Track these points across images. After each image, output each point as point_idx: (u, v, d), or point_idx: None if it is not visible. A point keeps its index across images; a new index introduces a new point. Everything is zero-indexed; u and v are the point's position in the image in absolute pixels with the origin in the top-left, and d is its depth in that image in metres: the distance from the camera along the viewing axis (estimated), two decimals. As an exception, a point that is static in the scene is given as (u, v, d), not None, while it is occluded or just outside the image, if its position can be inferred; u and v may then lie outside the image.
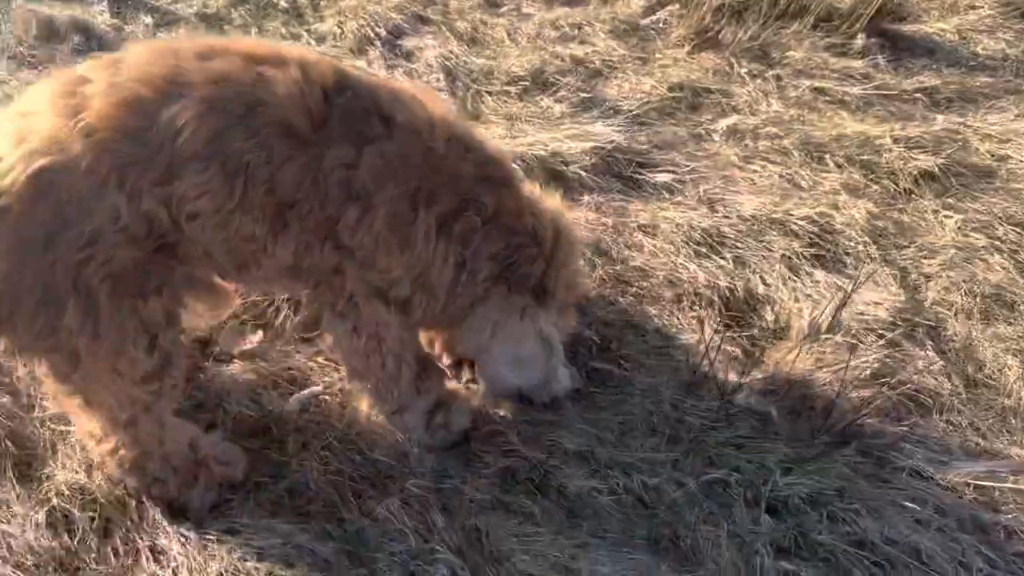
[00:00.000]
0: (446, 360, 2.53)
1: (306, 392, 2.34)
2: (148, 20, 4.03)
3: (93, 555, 1.94)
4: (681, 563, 2.04)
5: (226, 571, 1.89)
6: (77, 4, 4.14)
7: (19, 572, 1.88)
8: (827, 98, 3.63)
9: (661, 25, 4.05)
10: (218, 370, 2.41)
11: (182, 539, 1.97)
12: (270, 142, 1.73)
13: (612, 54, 3.82)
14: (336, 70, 1.88)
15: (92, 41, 3.82)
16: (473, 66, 3.74)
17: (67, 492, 2.03)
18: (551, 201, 2.26)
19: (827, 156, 3.26)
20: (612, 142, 3.24)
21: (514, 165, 2.33)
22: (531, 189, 2.28)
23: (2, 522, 1.96)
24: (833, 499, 2.10)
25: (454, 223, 1.96)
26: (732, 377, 2.42)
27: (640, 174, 3.18)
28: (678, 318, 2.65)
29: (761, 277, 2.79)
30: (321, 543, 2.00)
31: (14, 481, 2.05)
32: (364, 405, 2.26)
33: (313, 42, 3.95)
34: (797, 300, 2.71)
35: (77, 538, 1.97)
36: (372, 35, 3.92)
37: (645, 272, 2.80)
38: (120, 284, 1.68)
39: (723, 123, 3.45)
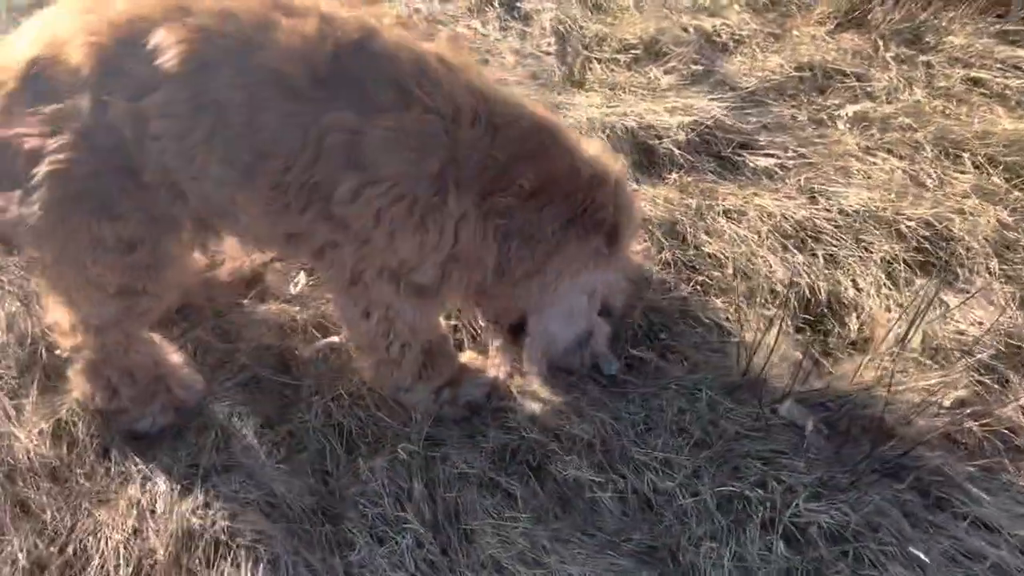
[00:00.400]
0: (481, 321, 2.43)
1: (324, 341, 2.32)
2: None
3: (85, 470, 2.04)
4: (667, 570, 1.84)
5: (195, 511, 1.92)
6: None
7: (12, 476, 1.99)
8: (982, 90, 3.16)
9: (808, 1, 3.68)
10: (255, 308, 2.44)
11: (169, 473, 2.02)
12: (255, 88, 1.69)
13: (743, 27, 3.53)
14: (363, 31, 1.77)
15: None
16: (588, 32, 3.58)
17: (78, 410, 2.13)
18: (595, 146, 2.10)
19: (965, 154, 2.83)
20: (713, 118, 2.98)
21: (559, 118, 2.13)
22: (577, 137, 2.09)
23: (12, 424, 2.09)
24: (863, 537, 1.81)
25: (492, 205, 1.86)
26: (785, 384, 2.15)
27: (739, 155, 2.91)
28: (744, 314, 2.40)
29: (853, 280, 2.48)
30: (299, 496, 1.98)
31: (36, 389, 2.17)
32: (366, 376, 2.21)
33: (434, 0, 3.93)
34: (889, 309, 2.38)
35: (75, 452, 2.06)
36: (490, -6, 3.85)
37: (719, 261, 2.56)
38: (67, 186, 1.71)
39: (851, 109, 3.09)
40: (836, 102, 3.15)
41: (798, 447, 2.02)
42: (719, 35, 3.51)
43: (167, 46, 1.62)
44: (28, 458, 2.04)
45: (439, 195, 1.79)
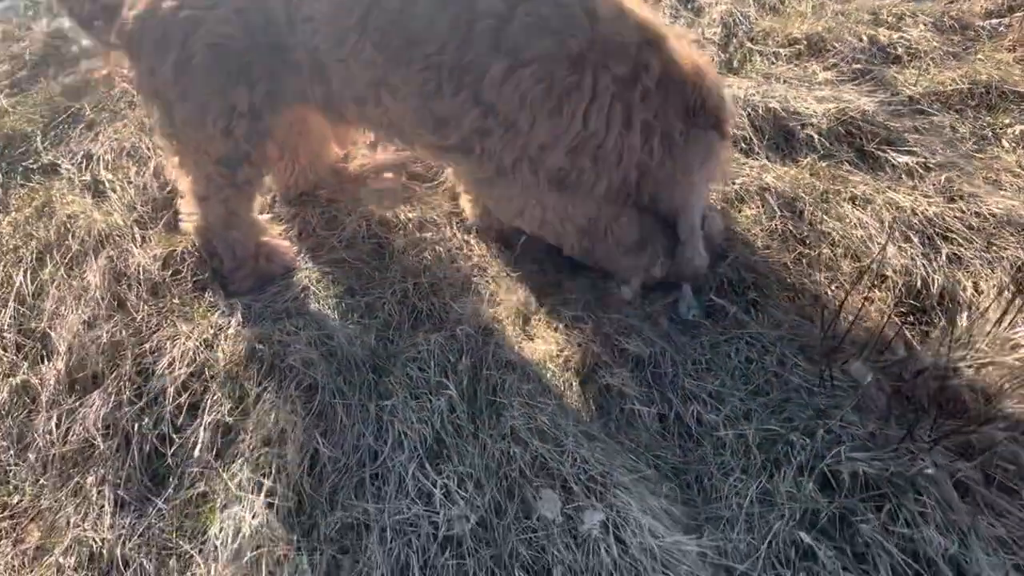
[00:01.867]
0: None
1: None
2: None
3: (180, 293, 2.31)
4: (688, 492, 1.80)
5: (260, 338, 2.12)
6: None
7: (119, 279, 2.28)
8: None
9: (1000, 28, 3.50)
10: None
11: (248, 309, 2.24)
12: None
13: (920, 43, 3.40)
14: None
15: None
16: (756, 26, 3.59)
17: (191, 250, 2.40)
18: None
19: None
20: (862, 112, 2.90)
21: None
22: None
23: (133, 244, 2.38)
24: (903, 493, 1.70)
25: (632, 89, 1.91)
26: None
27: (882, 151, 2.81)
28: (846, 291, 2.30)
29: (974, 282, 2.31)
30: (355, 347, 2.13)
31: (163, 226, 2.49)
32: None
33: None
34: (1006, 313, 2.20)
35: (177, 279, 2.35)
36: (670, -15, 3.95)
37: (832, 240, 2.48)
38: (217, 57, 1.94)
39: (1020, 128, 2.89)
40: (1005, 121, 2.98)
41: (862, 411, 1.92)
42: (894, 47, 3.41)
43: None
44: (138, 271, 2.35)
45: (576, 76, 1.87)
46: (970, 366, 1.97)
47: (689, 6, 3.87)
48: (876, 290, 2.35)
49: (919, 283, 2.33)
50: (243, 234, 2.35)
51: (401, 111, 2.04)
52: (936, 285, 2.32)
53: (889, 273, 2.36)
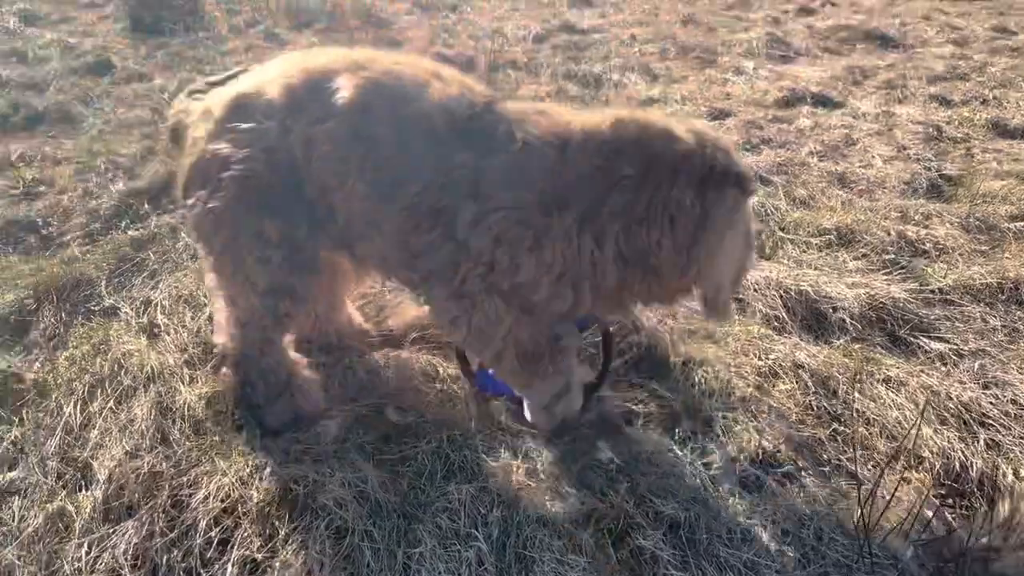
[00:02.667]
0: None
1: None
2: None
3: (220, 431, 2.43)
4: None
5: (295, 479, 2.18)
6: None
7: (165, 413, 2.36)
8: None
9: (1025, 230, 3.66)
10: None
11: (286, 452, 2.31)
12: (406, 127, 2.14)
13: (948, 240, 3.56)
14: (490, 98, 2.25)
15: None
16: (788, 218, 3.79)
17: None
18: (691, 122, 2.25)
19: None
20: (893, 299, 3.00)
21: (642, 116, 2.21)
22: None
23: (183, 384, 2.49)
24: None
25: (597, 215, 2.09)
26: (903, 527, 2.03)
27: (914, 337, 2.90)
28: (882, 467, 2.30)
29: (1014, 469, 2.30)
30: (387, 493, 2.17)
31: (210, 367, 2.62)
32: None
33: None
34: (1051, 502, 2.17)
35: (219, 418, 2.50)
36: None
37: (866, 419, 2.51)
38: (245, 191, 2.18)
39: (1057, 323, 2.97)
40: (1043, 316, 3.05)
41: (901, 585, 1.87)
42: (922, 242, 3.57)
43: (342, 88, 2.14)
44: (183, 407, 2.43)
45: (547, 217, 2.07)
46: (1014, 550, 1.93)
47: (723, 197, 4.12)
48: (913, 471, 2.34)
49: (957, 466, 2.33)
50: (276, 363, 2.48)
51: (387, 247, 2.27)
52: (975, 469, 2.31)
53: (926, 454, 2.37)
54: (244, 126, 2.18)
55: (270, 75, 2.28)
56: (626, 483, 2.23)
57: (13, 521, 2.13)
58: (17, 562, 2.01)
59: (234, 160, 2.18)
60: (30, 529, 2.10)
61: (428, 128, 2.13)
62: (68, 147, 4.85)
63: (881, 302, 3.02)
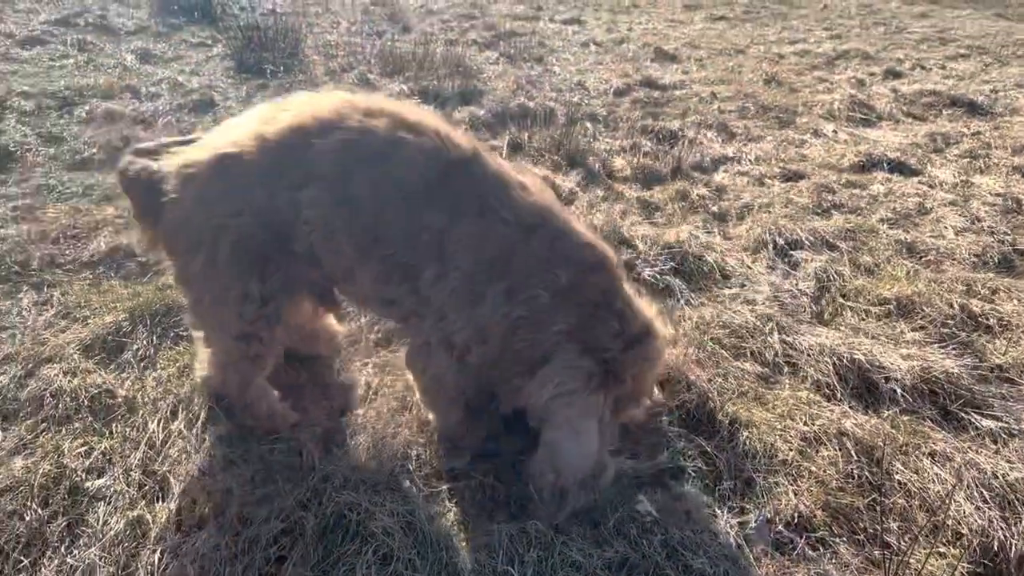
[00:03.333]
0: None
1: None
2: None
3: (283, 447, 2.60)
4: None
5: (350, 505, 2.34)
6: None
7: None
8: None
9: (1097, 310, 3.62)
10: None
11: (344, 474, 2.47)
12: (383, 190, 2.35)
13: (1013, 316, 3.55)
14: (472, 153, 2.41)
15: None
16: (850, 285, 3.83)
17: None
18: (649, 308, 2.57)
19: None
20: (947, 373, 3.03)
21: (614, 260, 2.52)
22: (633, 291, 2.58)
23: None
24: None
25: (520, 292, 2.35)
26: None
27: (965, 413, 2.91)
28: (915, 537, 2.33)
29: (1056, 552, 2.31)
30: (432, 525, 2.32)
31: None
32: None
33: (719, 236, 4.46)
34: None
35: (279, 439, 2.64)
36: (768, 240, 4.30)
37: (907, 491, 2.55)
38: (239, 252, 2.39)
39: (1112, 408, 2.94)
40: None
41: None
42: (986, 317, 3.56)
43: (321, 153, 2.33)
44: (255, 432, 2.64)
45: (488, 281, 2.35)
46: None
47: (786, 260, 4.20)
48: (950, 546, 2.37)
49: (996, 546, 2.35)
50: (256, 398, 2.77)
51: (365, 292, 2.57)
52: (1014, 550, 2.33)
53: (964, 531, 2.39)
54: (234, 190, 2.37)
55: (246, 133, 2.41)
56: (660, 535, 2.34)
57: (97, 524, 2.37)
58: (98, 562, 2.24)
59: (231, 226, 2.38)
60: (112, 533, 2.33)
61: (404, 189, 2.34)
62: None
63: (935, 375, 3.05)
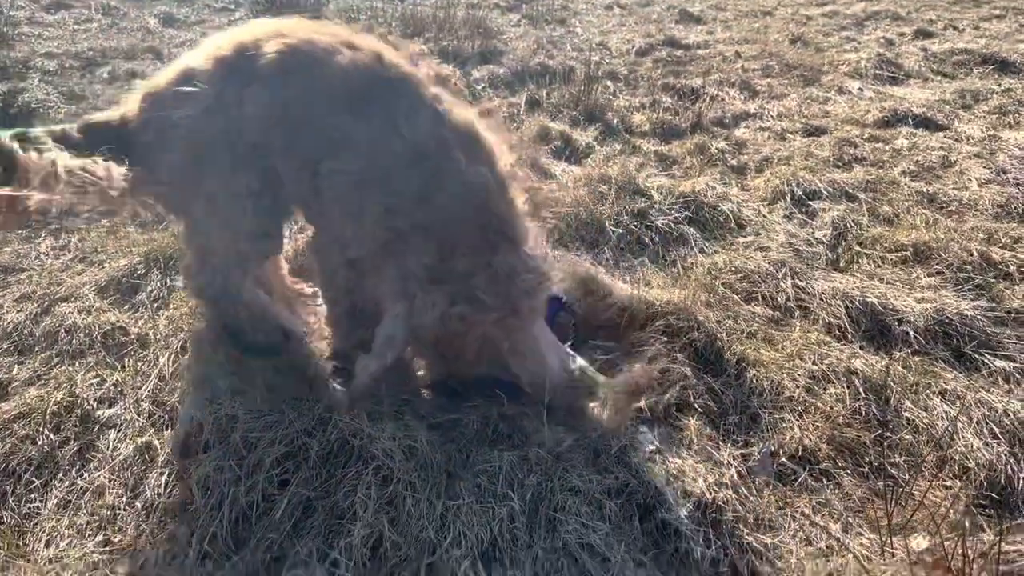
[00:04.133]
0: None
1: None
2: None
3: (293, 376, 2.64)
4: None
5: (353, 432, 2.43)
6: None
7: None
8: None
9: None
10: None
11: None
12: (313, 91, 2.44)
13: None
14: (403, 75, 2.48)
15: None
16: (867, 233, 3.78)
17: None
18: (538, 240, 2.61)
19: None
20: (962, 315, 2.99)
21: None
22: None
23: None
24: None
25: (398, 215, 2.41)
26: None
27: (979, 354, 2.87)
28: (918, 468, 2.32)
29: (1065, 486, 2.28)
30: (436, 451, 2.35)
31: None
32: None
33: (736, 188, 4.42)
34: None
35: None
36: (786, 191, 4.25)
37: (915, 427, 2.52)
38: (205, 153, 2.51)
39: None
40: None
41: (919, 579, 1.91)
42: (1006, 264, 3.49)
43: (265, 56, 2.45)
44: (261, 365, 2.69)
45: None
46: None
47: (803, 210, 4.15)
48: (957, 480, 2.35)
49: (1003, 480, 2.33)
50: (256, 296, 2.87)
51: (294, 189, 2.65)
52: (1021, 483, 2.30)
53: (971, 465, 2.37)
54: (185, 90, 2.50)
55: (205, 51, 2.59)
56: (661, 463, 2.34)
57: (107, 449, 2.42)
58: (107, 483, 2.30)
59: (180, 120, 2.49)
60: (121, 457, 2.38)
61: (331, 93, 2.42)
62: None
63: (948, 317, 3.01)
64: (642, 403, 2.58)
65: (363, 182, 2.41)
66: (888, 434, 2.51)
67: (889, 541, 2.04)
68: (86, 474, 2.33)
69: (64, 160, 2.51)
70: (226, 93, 2.47)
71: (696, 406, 2.62)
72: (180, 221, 2.85)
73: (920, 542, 2.01)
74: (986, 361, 2.85)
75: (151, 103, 2.58)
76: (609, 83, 6.70)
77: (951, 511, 2.13)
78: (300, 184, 2.54)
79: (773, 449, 2.46)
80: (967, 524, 2.08)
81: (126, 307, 3.21)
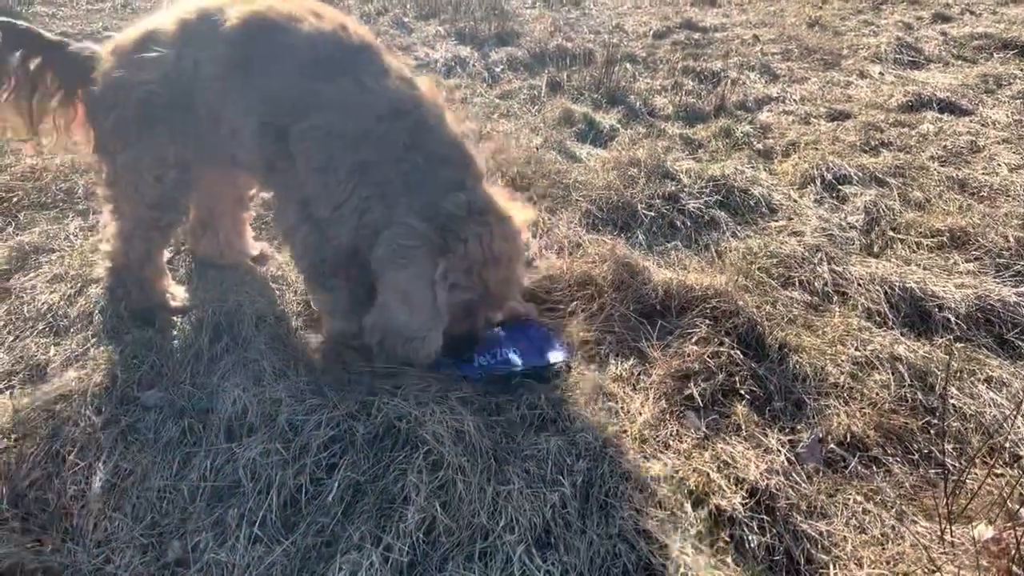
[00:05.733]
0: None
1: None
2: None
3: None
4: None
5: (399, 416, 2.40)
6: None
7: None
8: None
9: None
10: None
11: (389, 391, 2.48)
12: (276, 56, 2.46)
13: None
14: (366, 44, 2.54)
15: None
16: (900, 219, 3.73)
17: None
18: (510, 201, 2.64)
19: None
20: (1003, 300, 2.95)
21: (475, 158, 2.60)
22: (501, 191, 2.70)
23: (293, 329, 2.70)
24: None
25: (373, 172, 2.44)
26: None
27: (1022, 340, 2.81)
28: (972, 457, 2.29)
29: (1117, 475, 2.25)
30: (484, 437, 2.32)
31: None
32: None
33: (765, 172, 4.37)
34: None
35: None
36: (815, 175, 4.19)
37: (962, 414, 2.50)
38: (147, 111, 2.56)
39: None
40: None
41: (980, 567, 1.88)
42: (1046, 249, 3.45)
43: (228, 20, 2.48)
44: (297, 351, 2.64)
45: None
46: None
47: (834, 195, 4.10)
48: (1008, 468, 2.32)
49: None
50: (151, 274, 2.99)
51: (250, 154, 2.64)
52: (1075, 470, 2.27)
53: (1022, 453, 2.34)
54: (146, 55, 2.54)
55: (172, 14, 2.63)
56: (711, 450, 2.31)
57: (150, 432, 2.39)
58: (152, 466, 2.27)
59: (138, 81, 2.55)
60: (164, 440, 2.35)
61: (294, 57, 2.44)
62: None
63: (991, 304, 2.97)
64: (692, 389, 2.55)
65: (339, 140, 2.41)
66: (937, 421, 2.48)
67: (949, 529, 2.01)
68: (130, 456, 2.30)
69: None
70: (184, 56, 2.53)
71: (742, 392, 2.59)
72: (105, 175, 2.84)
73: (983, 531, 1.99)
74: (1029, 347, 2.83)
75: (117, 59, 2.64)
76: (628, 66, 6.62)
77: (1008, 500, 2.10)
78: (260, 148, 2.54)
79: (821, 436, 2.43)
80: (1026, 513, 2.06)
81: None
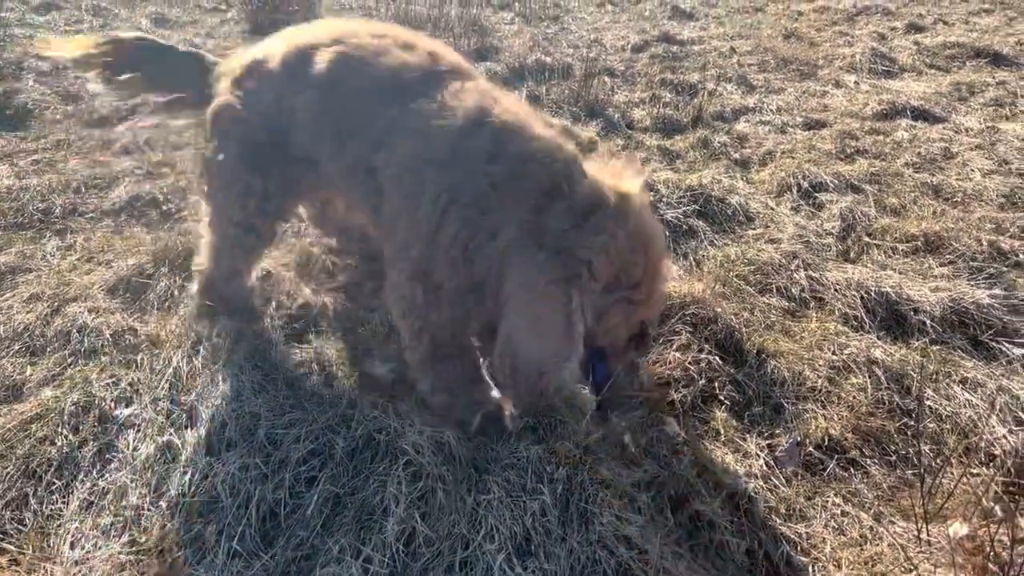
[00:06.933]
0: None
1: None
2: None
3: (311, 383, 2.62)
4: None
5: (379, 429, 2.38)
6: None
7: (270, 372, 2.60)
8: None
9: None
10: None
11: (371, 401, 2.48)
12: (362, 88, 2.43)
13: (1046, 252, 3.48)
14: (454, 66, 2.46)
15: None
16: (876, 224, 3.78)
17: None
18: (617, 173, 2.23)
19: None
20: (977, 303, 2.99)
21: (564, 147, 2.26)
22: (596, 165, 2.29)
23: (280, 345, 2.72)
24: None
25: (460, 192, 2.21)
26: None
27: (996, 342, 2.87)
28: (947, 457, 2.31)
29: (1091, 472, 2.28)
30: (463, 446, 2.33)
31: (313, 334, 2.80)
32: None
33: (742, 181, 4.41)
34: None
35: (308, 371, 2.66)
36: (792, 183, 4.24)
37: (938, 415, 2.52)
38: (244, 148, 2.62)
39: None
40: None
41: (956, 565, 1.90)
42: (1016, 253, 3.50)
43: (318, 63, 2.49)
44: (279, 365, 2.65)
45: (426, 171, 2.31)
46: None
47: (810, 202, 4.14)
48: (983, 467, 2.34)
49: (1028, 464, 2.32)
50: (238, 290, 3.04)
51: (341, 190, 2.75)
52: (1048, 468, 2.30)
53: (998, 452, 2.37)
54: (250, 93, 2.63)
55: (275, 45, 2.67)
56: (690, 455, 2.32)
57: (127, 449, 2.38)
58: (130, 484, 2.26)
59: (239, 119, 2.62)
60: (142, 457, 2.34)
61: (377, 88, 2.41)
62: (187, 135, 5.24)
63: (965, 306, 3.00)
64: (673, 395, 2.57)
65: (423, 163, 2.25)
66: (912, 423, 2.50)
67: (925, 529, 2.03)
68: (107, 474, 2.29)
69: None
70: (284, 100, 2.56)
71: (722, 397, 2.61)
72: (205, 195, 2.90)
73: (958, 529, 2.01)
74: (1004, 349, 2.85)
75: (222, 81, 2.74)
76: (607, 79, 6.67)
77: (983, 498, 2.12)
78: (358, 187, 2.50)
79: (799, 439, 2.45)
80: (1003, 510, 2.08)
81: (136, 307, 3.15)
